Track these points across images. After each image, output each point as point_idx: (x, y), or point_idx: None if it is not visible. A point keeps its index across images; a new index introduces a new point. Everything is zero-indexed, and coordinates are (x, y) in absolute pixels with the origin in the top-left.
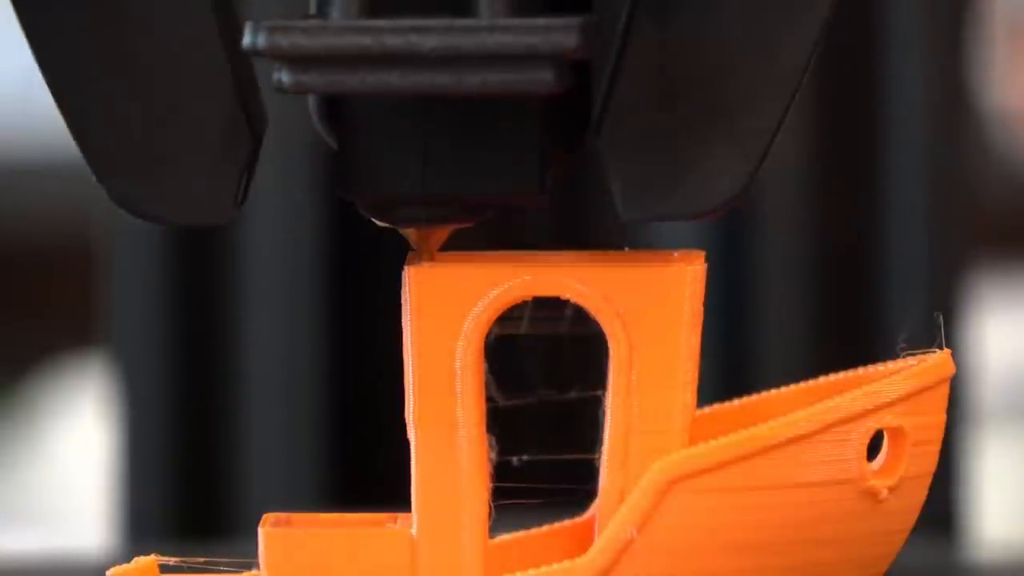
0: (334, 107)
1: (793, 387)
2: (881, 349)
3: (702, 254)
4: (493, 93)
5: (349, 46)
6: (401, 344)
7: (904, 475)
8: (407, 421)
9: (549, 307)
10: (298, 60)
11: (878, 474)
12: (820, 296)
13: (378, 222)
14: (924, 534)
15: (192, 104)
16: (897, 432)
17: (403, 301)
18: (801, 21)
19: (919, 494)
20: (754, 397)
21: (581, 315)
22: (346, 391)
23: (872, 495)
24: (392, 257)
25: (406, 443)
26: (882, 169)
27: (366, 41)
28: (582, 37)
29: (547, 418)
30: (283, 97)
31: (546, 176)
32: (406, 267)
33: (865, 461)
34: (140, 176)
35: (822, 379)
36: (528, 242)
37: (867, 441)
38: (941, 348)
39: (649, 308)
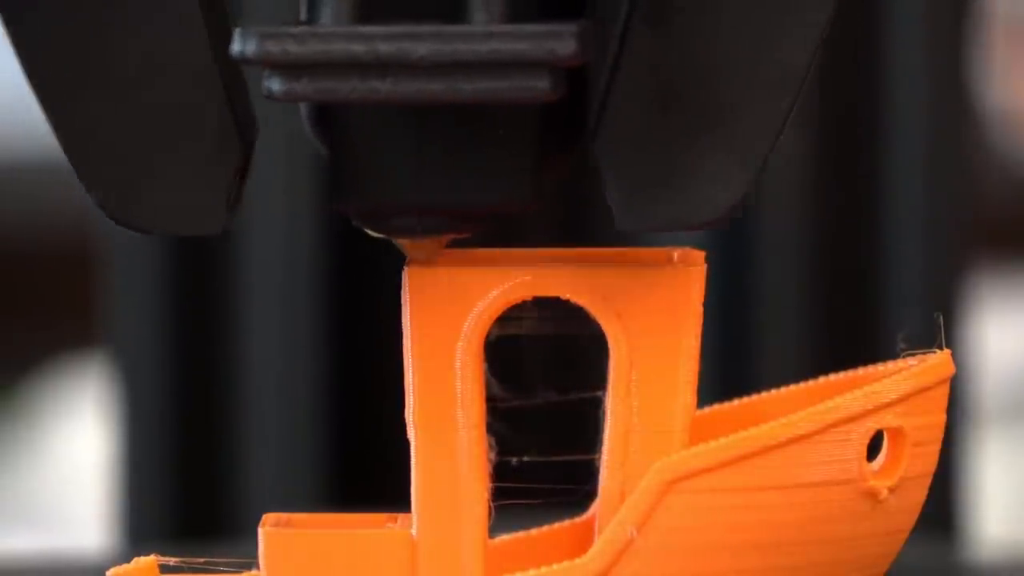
0: (325, 115)
1: (793, 387)
2: (881, 349)
3: (702, 254)
4: (487, 101)
5: (340, 53)
6: (401, 345)
7: (904, 475)
8: (407, 421)
9: (550, 307)
10: (288, 67)
11: (878, 474)
12: (820, 296)
13: (371, 232)
14: (924, 534)
15: (180, 112)
16: (897, 432)
17: (403, 302)
18: (799, 23)
19: (919, 494)
20: (754, 397)
21: (581, 315)
22: (345, 392)
23: (872, 495)
24: (392, 257)
25: (406, 443)
26: (882, 169)
27: (357, 48)
28: (579, 44)
29: (547, 418)
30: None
31: (540, 184)
32: (406, 268)
33: (865, 461)
34: (128, 185)
35: (822, 379)
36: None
37: (867, 441)
38: (941, 348)
39: (649, 308)
